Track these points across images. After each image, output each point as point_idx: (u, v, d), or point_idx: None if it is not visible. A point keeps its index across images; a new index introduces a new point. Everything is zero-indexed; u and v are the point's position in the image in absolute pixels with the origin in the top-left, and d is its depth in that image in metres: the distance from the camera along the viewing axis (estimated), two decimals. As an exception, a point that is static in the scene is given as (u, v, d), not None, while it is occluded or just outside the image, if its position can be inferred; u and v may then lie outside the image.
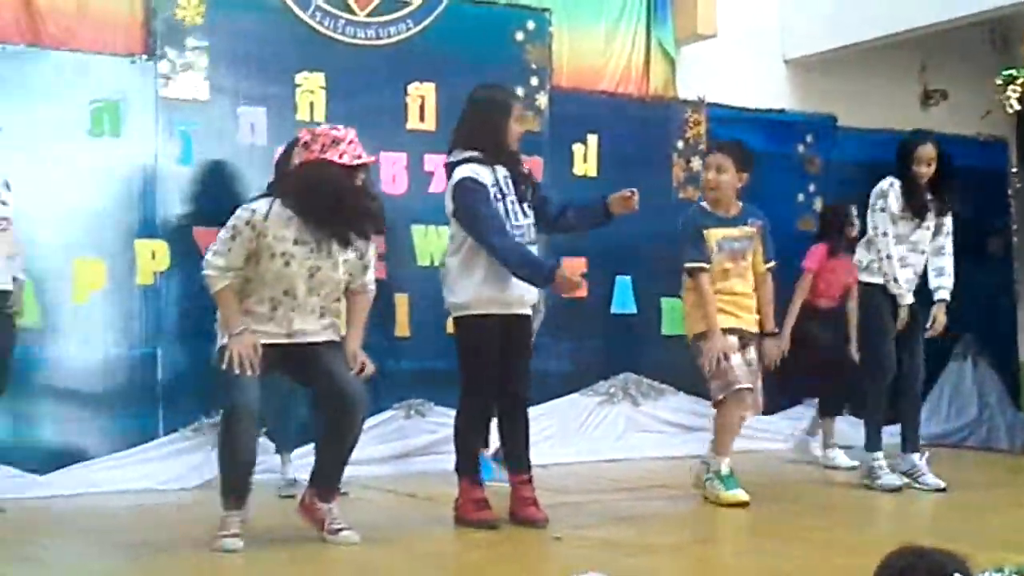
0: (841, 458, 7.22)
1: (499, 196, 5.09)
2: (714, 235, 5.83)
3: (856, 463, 6.82)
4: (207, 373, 6.47)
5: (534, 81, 7.59)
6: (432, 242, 7.19)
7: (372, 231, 4.87)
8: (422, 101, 7.24)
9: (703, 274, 5.78)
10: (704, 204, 5.95)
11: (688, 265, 5.84)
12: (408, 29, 7.25)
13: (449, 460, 5.47)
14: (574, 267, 7.61)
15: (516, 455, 5.26)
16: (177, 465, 6.39)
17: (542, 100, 7.61)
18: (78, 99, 6.33)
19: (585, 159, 7.82)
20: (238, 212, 4.72)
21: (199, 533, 4.92)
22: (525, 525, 5.10)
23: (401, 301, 7.13)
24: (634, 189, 5.34)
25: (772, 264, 6.00)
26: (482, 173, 5.09)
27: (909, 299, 6.28)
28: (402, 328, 7.15)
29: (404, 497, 6.00)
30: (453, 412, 6.93)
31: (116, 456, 6.32)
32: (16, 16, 6.29)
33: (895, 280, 6.22)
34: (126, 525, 5.31)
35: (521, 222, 5.15)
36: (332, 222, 4.68)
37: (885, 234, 6.25)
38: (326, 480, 4.84)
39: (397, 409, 7.07)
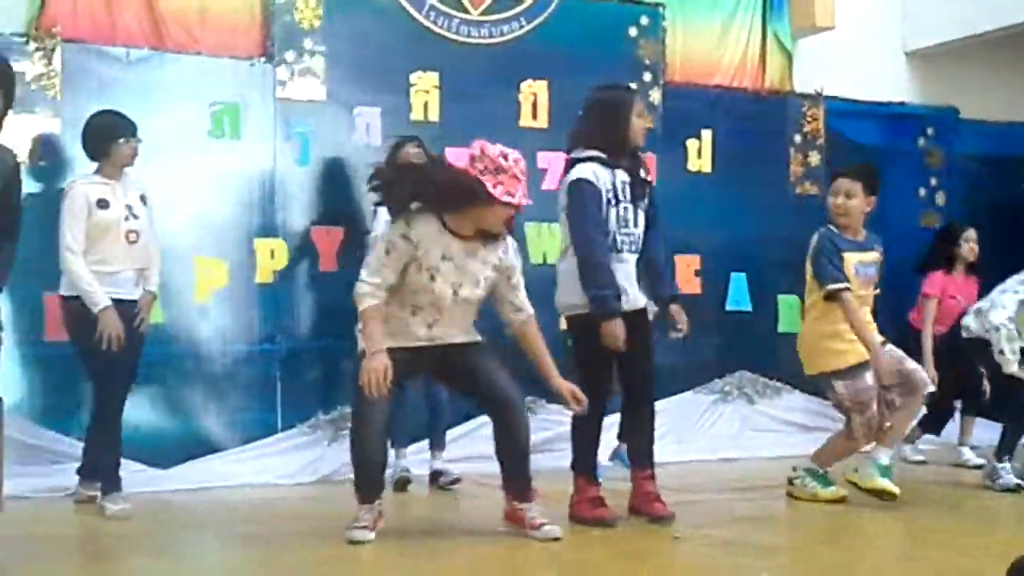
0: (968, 455, 7.08)
1: (614, 200, 5.07)
2: (850, 260, 5.61)
3: (982, 461, 6.66)
4: (325, 369, 6.69)
5: (647, 77, 7.55)
6: (545, 240, 7.19)
7: (503, 249, 4.86)
8: (534, 99, 7.25)
9: (850, 295, 5.50)
10: (833, 228, 5.69)
11: (832, 287, 5.52)
12: (521, 27, 7.27)
13: (561, 458, 5.47)
14: (688, 262, 7.58)
15: (640, 451, 5.25)
16: (294, 460, 6.50)
17: (655, 96, 7.57)
18: (199, 102, 6.48)
19: (699, 155, 7.75)
20: (391, 228, 4.77)
21: (318, 527, 5.02)
22: (651, 521, 5.08)
23: (511, 299, 7.13)
24: (683, 330, 5.26)
25: (878, 292, 5.86)
26: (601, 175, 5.07)
27: (1013, 368, 6.18)
28: (515, 326, 7.15)
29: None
30: (565, 410, 7.00)
31: (236, 451, 6.47)
32: (140, 21, 6.45)
33: (1001, 353, 6.18)
34: (248, 518, 5.41)
35: (632, 230, 5.14)
36: (475, 233, 4.72)
37: (1011, 319, 6.17)
38: (516, 483, 4.90)
39: (510, 407, 7.07)
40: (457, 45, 7.09)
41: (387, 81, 6.88)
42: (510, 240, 4.90)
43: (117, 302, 5.47)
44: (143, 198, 5.69)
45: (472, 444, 6.55)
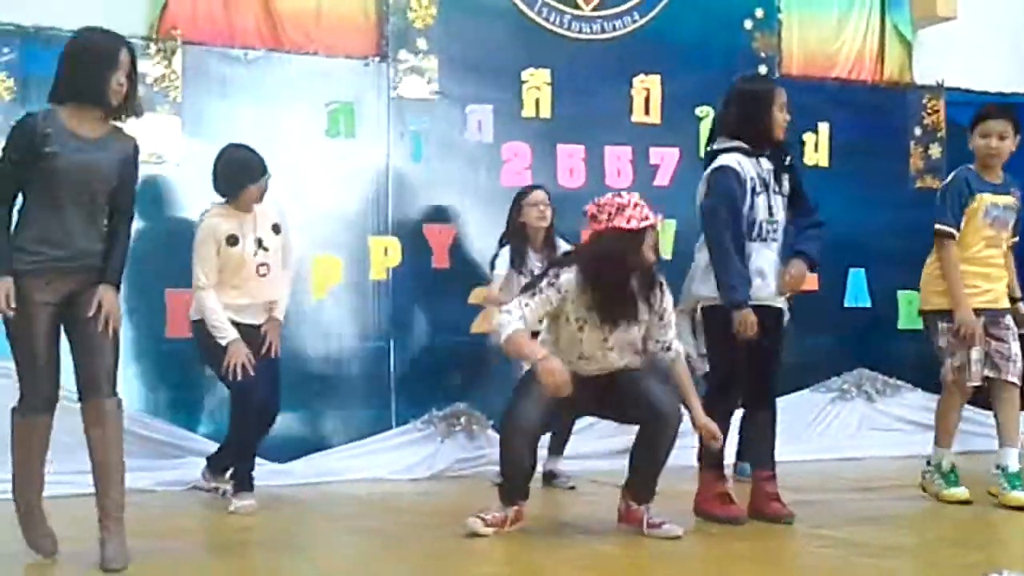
0: None
1: (758, 189, 5.02)
2: (985, 200, 5.51)
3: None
4: (439, 365, 6.73)
5: (762, 70, 7.44)
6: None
7: (654, 295, 4.82)
8: (647, 94, 7.21)
9: (951, 243, 5.47)
10: (972, 168, 5.61)
11: (939, 227, 5.51)
12: (634, 22, 7.22)
13: (680, 456, 5.41)
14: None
15: (761, 450, 5.18)
16: (408, 456, 6.55)
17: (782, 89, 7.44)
18: (315, 102, 6.57)
19: (816, 148, 7.63)
20: (548, 276, 4.76)
21: (436, 521, 5.05)
22: (770, 521, 5.01)
23: (629, 295, 7.09)
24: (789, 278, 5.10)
25: (1016, 240, 5.72)
26: (745, 164, 5.03)
27: None
28: (630, 322, 7.11)
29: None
30: (683, 407, 6.94)
31: (350, 446, 6.54)
32: (257, 23, 6.56)
33: None
34: (365, 512, 5.46)
35: (777, 218, 5.08)
36: (622, 296, 4.70)
37: None
38: (641, 487, 4.88)
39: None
40: (569, 41, 7.08)
41: (499, 78, 6.90)
42: (663, 281, 4.86)
43: (247, 326, 5.51)
44: (276, 227, 5.63)
45: (584, 443, 6.54)
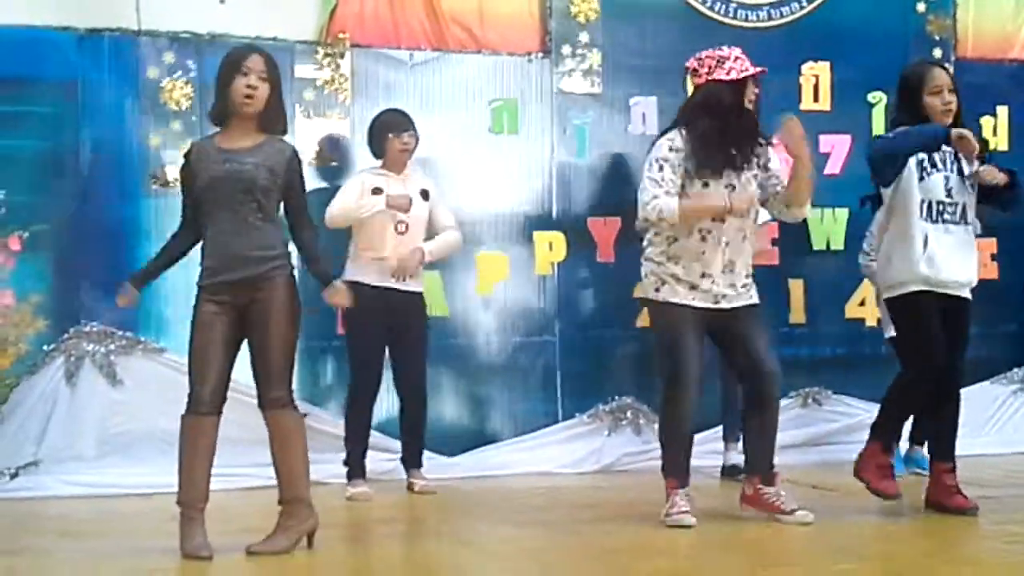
0: None
1: (931, 167, 4.92)
2: None
3: None
4: (605, 359, 6.72)
5: (937, 53, 7.20)
6: (828, 226, 7.01)
7: (757, 148, 4.85)
8: (816, 80, 7.06)
9: None
10: None
11: None
12: (801, 8, 7.08)
13: (852, 450, 5.29)
14: (985, 246, 7.14)
15: (942, 442, 5.06)
16: (575, 450, 6.58)
17: (942, 69, 7.17)
18: (479, 99, 6.64)
19: (995, 132, 7.33)
20: (653, 152, 4.82)
21: (609, 514, 5.10)
22: (954, 514, 4.90)
23: (796, 287, 6.99)
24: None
25: None
26: None
27: None
28: (797, 314, 7.00)
29: (806, 488, 5.85)
30: (853, 400, 6.82)
31: (517, 440, 6.60)
32: (422, 24, 6.65)
33: None
34: (536, 505, 5.51)
35: (957, 200, 4.94)
36: (723, 142, 4.72)
37: None
38: (760, 464, 4.89)
39: (794, 398, 6.92)
40: (735, 30, 6.96)
41: (663, 70, 6.82)
42: (764, 136, 4.89)
43: (384, 289, 5.68)
44: (424, 193, 5.86)
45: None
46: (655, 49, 6.85)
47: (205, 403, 4.27)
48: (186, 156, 4.38)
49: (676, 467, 4.85)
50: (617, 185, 6.77)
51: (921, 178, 4.91)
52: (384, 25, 6.58)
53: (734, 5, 6.99)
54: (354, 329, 5.74)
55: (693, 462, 5.00)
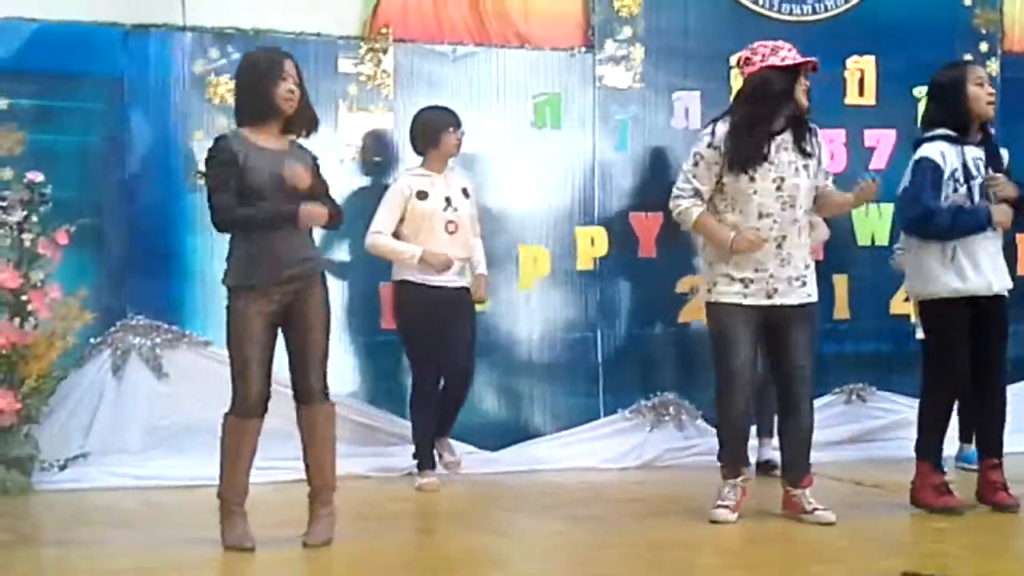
0: None
1: (963, 178, 4.93)
2: None
3: None
4: (646, 355, 6.71)
5: (983, 47, 7.14)
6: (873, 221, 6.96)
7: (807, 140, 4.85)
8: (861, 75, 7.01)
9: None
10: None
11: None
12: (846, 2, 7.02)
13: (895, 447, 5.28)
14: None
15: (989, 438, 5.08)
16: (617, 445, 6.56)
17: (993, 67, 7.12)
18: (522, 94, 6.63)
19: (1043, 127, 7.24)
20: (697, 140, 4.88)
21: (652, 509, 5.12)
22: (994, 509, 4.93)
23: (840, 282, 6.94)
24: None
25: None
26: (948, 153, 4.96)
27: None
28: (841, 310, 6.96)
29: (850, 484, 5.83)
30: (897, 397, 6.78)
31: (559, 435, 6.59)
32: (465, 19, 6.65)
33: None
34: (578, 500, 5.51)
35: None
36: (760, 135, 4.72)
37: None
38: (792, 472, 4.91)
39: (837, 394, 6.90)
40: (779, 23, 6.91)
41: (706, 64, 6.80)
42: (815, 127, 4.91)
43: (438, 288, 5.70)
44: (465, 191, 5.90)
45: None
46: (698, 43, 6.82)
47: (251, 406, 4.32)
48: (225, 146, 4.33)
49: (728, 455, 4.88)
50: (659, 180, 6.72)
51: (952, 191, 4.94)
52: (427, 20, 6.58)
53: (779, -1, 6.95)
54: (408, 326, 5.81)
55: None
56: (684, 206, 4.79)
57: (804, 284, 4.84)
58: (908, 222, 5.06)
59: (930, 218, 4.92)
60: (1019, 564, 4.27)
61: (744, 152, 4.72)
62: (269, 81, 4.31)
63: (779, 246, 4.77)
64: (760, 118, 4.74)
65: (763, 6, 6.93)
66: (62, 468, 5.73)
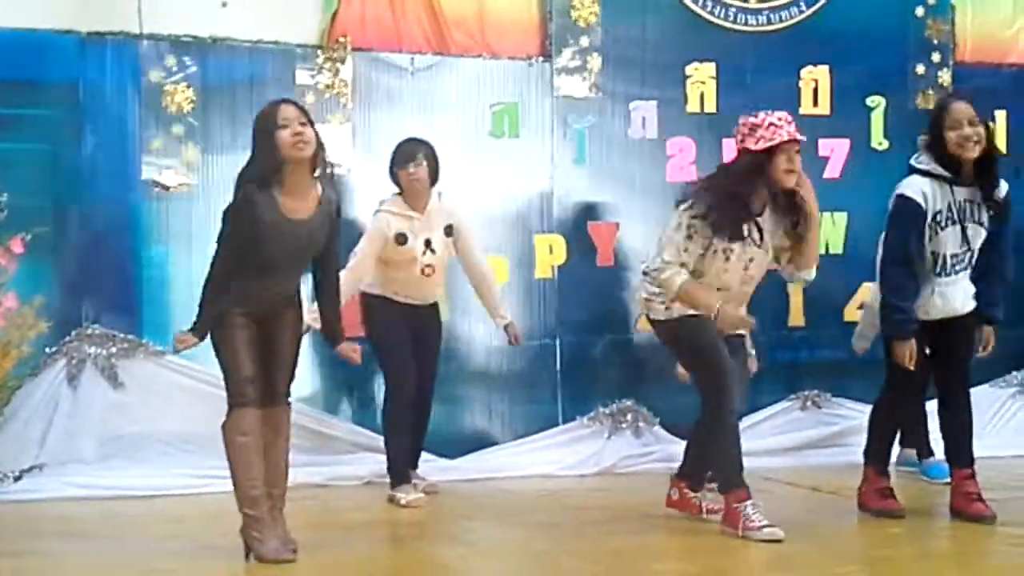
0: None
1: (947, 221, 4.84)
2: None
3: None
4: (604, 363, 6.74)
5: (935, 57, 7.23)
6: (827, 229, 6.98)
7: (797, 217, 4.77)
8: (815, 84, 7.07)
9: None
10: None
11: None
12: (800, 12, 7.09)
13: (848, 453, 5.34)
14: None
15: (960, 450, 5.08)
16: (575, 452, 6.58)
17: (945, 77, 7.23)
18: (479, 103, 6.64)
19: (993, 136, 7.32)
20: (682, 213, 4.69)
21: (609, 516, 5.13)
22: (972, 521, 4.92)
23: (795, 290, 6.99)
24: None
25: None
26: (934, 194, 4.85)
27: None
28: (796, 318, 7.03)
29: (806, 490, 5.89)
30: (852, 403, 6.84)
31: (518, 443, 6.60)
32: (423, 28, 6.66)
33: None
34: (537, 507, 5.53)
35: (972, 247, 4.91)
36: (734, 214, 4.65)
37: None
38: (699, 473, 4.99)
39: (793, 400, 6.96)
40: (734, 34, 6.99)
41: (663, 74, 6.86)
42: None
43: (406, 304, 5.69)
44: (448, 229, 5.75)
45: (755, 439, 6.49)
46: (655, 53, 6.86)
47: (245, 389, 4.28)
48: (249, 205, 4.23)
49: (739, 477, 4.71)
50: (618, 189, 6.79)
51: (934, 234, 4.87)
52: (385, 29, 6.58)
53: (735, 9, 7.01)
54: (382, 339, 5.71)
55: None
56: (667, 275, 4.65)
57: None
58: (881, 270, 4.99)
59: (891, 282, 4.89)
60: (975, 570, 4.33)
61: (726, 230, 4.65)
62: (269, 135, 4.25)
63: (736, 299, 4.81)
64: (734, 197, 4.64)
65: (720, 17, 6.98)
66: (17, 479, 5.67)
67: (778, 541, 4.53)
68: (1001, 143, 7.28)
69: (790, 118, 4.71)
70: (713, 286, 4.71)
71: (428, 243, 5.66)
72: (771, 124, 4.60)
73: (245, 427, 4.28)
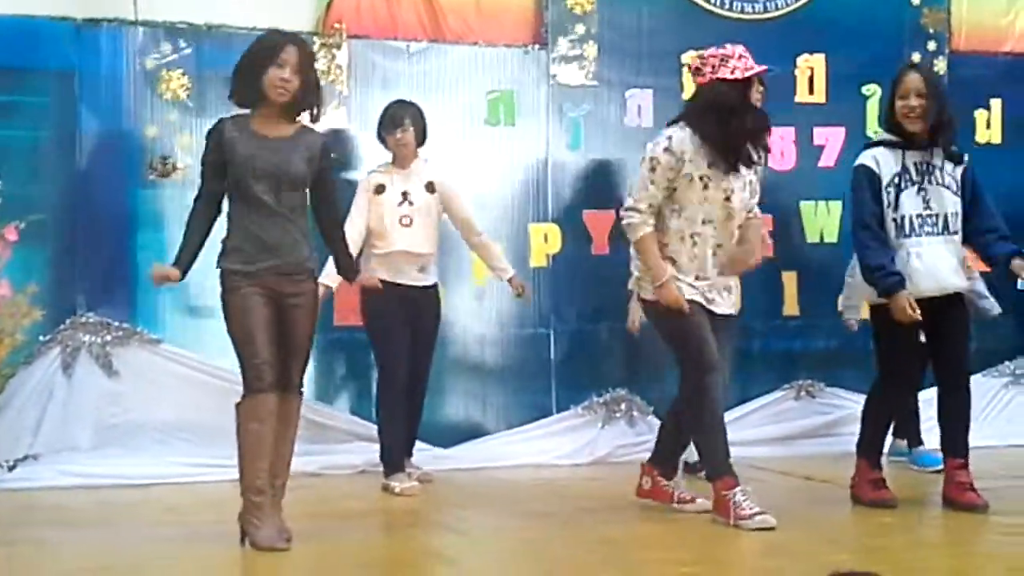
0: None
1: (903, 183, 4.94)
2: None
3: None
4: (599, 352, 6.75)
5: (931, 46, 7.23)
6: (822, 218, 7.04)
7: (762, 148, 4.87)
8: (811, 73, 7.07)
9: None
10: None
11: None
12: (796, 0, 7.08)
13: (841, 442, 5.35)
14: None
15: (953, 438, 5.10)
16: (570, 442, 6.60)
17: (940, 65, 7.22)
18: (476, 90, 6.63)
19: (988, 125, 7.36)
20: (650, 146, 4.81)
21: (604, 505, 5.14)
22: (965, 511, 4.94)
23: (789, 279, 7.01)
24: None
25: None
26: (885, 160, 4.98)
27: None
28: (791, 307, 7.04)
29: (800, 480, 5.91)
30: (846, 393, 6.86)
31: (512, 432, 6.61)
32: (419, 15, 6.64)
33: None
34: (530, 497, 5.53)
35: (937, 211, 4.96)
36: (731, 142, 4.71)
37: None
38: (670, 463, 5.01)
39: (787, 390, 6.97)
40: (730, 21, 6.97)
41: (659, 62, 6.85)
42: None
43: (394, 285, 5.66)
44: (430, 186, 5.81)
45: (748, 428, 6.51)
46: (651, 41, 6.86)
47: (263, 376, 4.24)
48: (217, 132, 4.33)
49: (726, 464, 4.72)
50: (612, 178, 6.79)
51: (894, 198, 4.95)
52: (381, 16, 6.57)
53: (731, -3, 7.01)
54: (377, 326, 5.73)
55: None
56: (634, 221, 4.74)
57: (730, 293, 4.89)
58: (853, 233, 5.06)
59: (862, 245, 4.96)
60: (968, 559, 4.34)
61: (728, 161, 4.71)
62: (262, 66, 4.27)
63: (714, 254, 4.81)
64: (726, 129, 4.70)
65: (715, 4, 6.97)
66: (11, 468, 5.68)
67: (770, 529, 4.54)
68: (996, 131, 7.36)
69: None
70: (697, 218, 4.72)
71: (405, 195, 5.73)
72: (740, 55, 4.73)
73: (262, 414, 4.24)
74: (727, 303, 4.87)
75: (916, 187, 4.95)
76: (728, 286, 4.88)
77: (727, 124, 4.70)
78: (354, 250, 5.25)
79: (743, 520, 4.58)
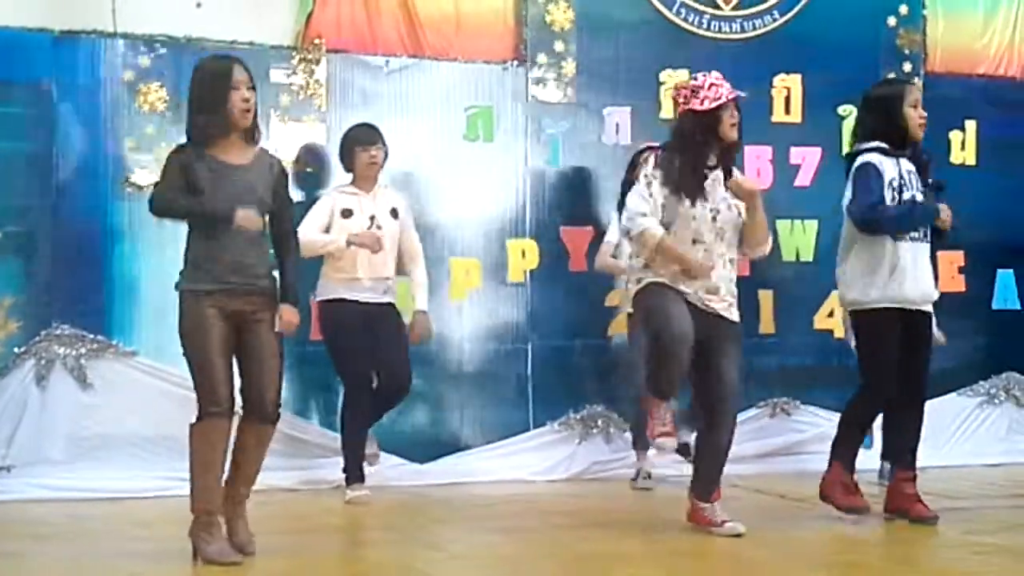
0: None
1: (900, 188, 5.06)
2: None
3: None
4: (576, 368, 6.75)
5: (907, 67, 7.30)
6: (798, 237, 7.07)
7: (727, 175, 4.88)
8: (788, 93, 7.12)
9: None
10: None
11: None
12: (774, 20, 7.14)
13: (817, 460, 5.36)
14: (952, 259, 7.22)
15: (904, 450, 5.15)
16: (546, 457, 6.60)
17: (916, 86, 7.27)
18: (455, 106, 6.65)
19: (963, 147, 7.43)
20: (644, 164, 4.86)
21: (579, 521, 5.13)
22: (915, 523, 4.99)
23: (765, 297, 7.04)
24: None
25: None
26: (886, 163, 5.08)
27: None
28: (767, 325, 7.06)
29: (774, 497, 5.92)
30: (821, 411, 6.89)
31: (489, 448, 6.61)
32: (399, 31, 6.66)
33: None
34: (506, 512, 5.52)
35: None
36: (696, 173, 4.76)
37: None
38: (705, 483, 4.90)
39: (762, 408, 6.99)
40: (708, 41, 7.03)
41: (637, 80, 6.88)
42: (736, 172, 4.92)
43: (363, 304, 5.72)
44: (394, 212, 5.88)
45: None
46: (629, 59, 6.89)
47: (219, 403, 4.22)
48: (184, 154, 4.28)
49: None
50: (590, 194, 6.81)
51: (892, 199, 5.05)
52: (360, 31, 6.58)
53: (707, 17, 7.04)
54: (338, 342, 5.78)
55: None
56: (646, 225, 4.71)
57: (730, 307, 4.88)
58: (863, 215, 5.04)
59: (883, 211, 4.99)
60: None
61: (693, 189, 4.75)
62: (221, 93, 4.22)
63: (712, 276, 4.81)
64: (692, 159, 4.77)
65: (693, 24, 7.02)
66: (-16, 480, 5.64)
67: (740, 534, 4.67)
68: (971, 152, 7.43)
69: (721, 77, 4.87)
70: (687, 239, 4.75)
71: (373, 219, 5.80)
72: (712, 84, 4.80)
73: (214, 438, 4.23)
74: (725, 309, 4.85)
75: (908, 193, 5.06)
76: (724, 301, 4.86)
77: (692, 156, 4.76)
78: (315, 238, 5.54)
79: (717, 527, 4.75)
